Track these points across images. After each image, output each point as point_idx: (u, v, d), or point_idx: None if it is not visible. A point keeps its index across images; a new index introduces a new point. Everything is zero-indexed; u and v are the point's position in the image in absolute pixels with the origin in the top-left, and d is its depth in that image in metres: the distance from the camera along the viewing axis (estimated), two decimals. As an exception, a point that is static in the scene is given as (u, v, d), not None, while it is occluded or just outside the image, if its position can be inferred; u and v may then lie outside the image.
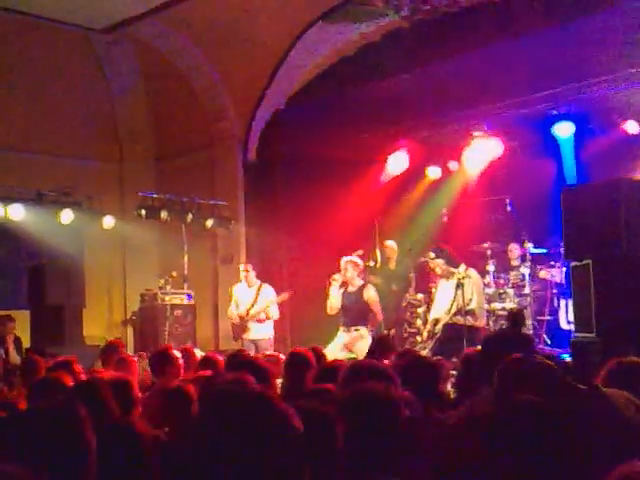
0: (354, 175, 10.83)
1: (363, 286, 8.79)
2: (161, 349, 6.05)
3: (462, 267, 8.55)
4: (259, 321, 9.68)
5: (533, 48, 8.62)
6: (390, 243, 10.76)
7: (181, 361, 5.75)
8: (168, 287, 10.51)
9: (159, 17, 10.73)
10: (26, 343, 9.86)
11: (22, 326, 10.05)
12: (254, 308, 9.70)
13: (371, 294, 8.76)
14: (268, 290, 9.82)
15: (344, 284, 8.80)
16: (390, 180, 11.12)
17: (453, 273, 8.47)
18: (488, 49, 9.03)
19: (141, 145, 12.96)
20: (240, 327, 9.75)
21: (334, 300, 8.75)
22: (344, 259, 8.86)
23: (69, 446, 2.21)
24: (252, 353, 8.57)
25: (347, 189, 10.69)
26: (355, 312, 8.67)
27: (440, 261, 8.77)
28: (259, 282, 9.88)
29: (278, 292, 9.91)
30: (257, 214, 11.46)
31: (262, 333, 9.70)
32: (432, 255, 8.94)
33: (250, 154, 11.80)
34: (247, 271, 9.85)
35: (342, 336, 8.69)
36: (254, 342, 9.61)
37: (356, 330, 8.63)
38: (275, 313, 9.79)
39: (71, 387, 4.01)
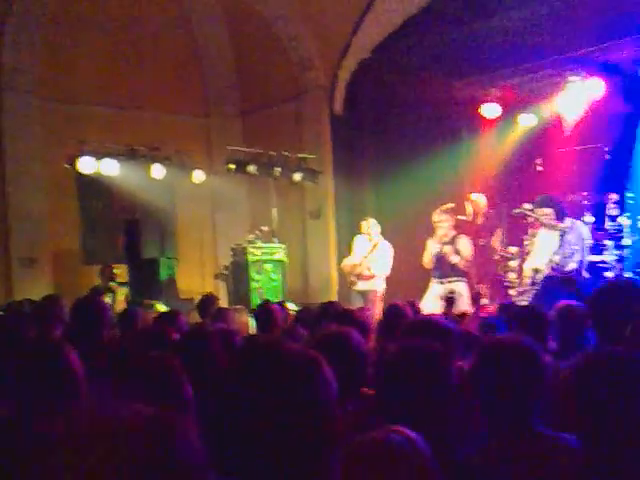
0: (444, 125, 10.55)
1: (455, 237, 8.68)
2: (264, 303, 6.10)
3: (568, 220, 8.27)
4: (364, 277, 9.64)
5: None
6: (476, 196, 10.48)
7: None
8: (258, 242, 10.58)
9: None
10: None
11: (121, 280, 10.34)
12: (365, 261, 9.66)
13: (464, 244, 8.69)
14: (384, 246, 9.71)
15: (437, 237, 8.71)
16: (483, 129, 10.79)
17: (557, 225, 8.19)
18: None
19: (228, 99, 12.99)
20: (350, 277, 9.76)
21: (431, 253, 8.71)
22: (435, 213, 8.75)
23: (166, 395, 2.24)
24: (360, 304, 8.64)
25: (437, 140, 10.44)
26: (449, 264, 8.60)
27: (548, 210, 8.46)
28: (379, 237, 9.77)
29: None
30: (345, 167, 11.33)
31: (370, 285, 9.65)
32: (536, 205, 8.62)
33: (337, 105, 11.64)
34: (368, 226, 9.76)
35: (436, 288, 8.65)
36: (362, 293, 9.60)
37: (449, 282, 8.58)
38: (379, 269, 9.66)
39: (179, 337, 4.06)
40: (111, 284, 9.90)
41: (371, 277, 9.63)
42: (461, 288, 8.65)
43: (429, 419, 2.26)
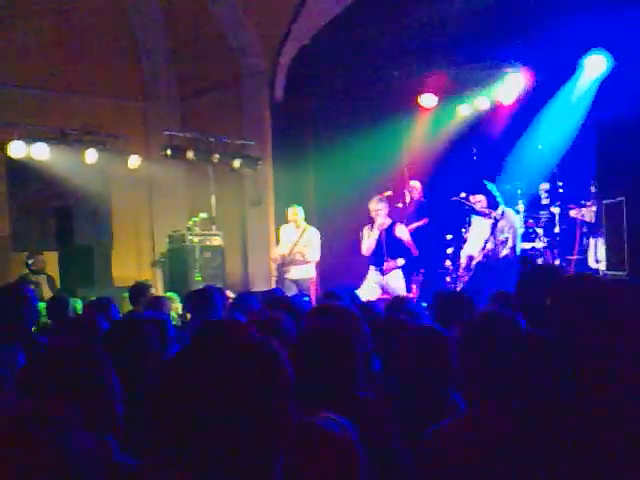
0: (383, 113, 10.60)
1: (393, 224, 8.76)
2: (200, 289, 6.02)
3: (501, 208, 8.46)
4: (297, 263, 9.63)
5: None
6: (414, 183, 10.60)
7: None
8: (196, 229, 10.46)
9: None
10: (56, 285, 9.90)
11: (51, 268, 10.08)
12: (295, 248, 9.65)
13: (402, 231, 8.77)
14: (311, 232, 9.74)
15: (374, 225, 8.76)
16: (420, 118, 10.90)
17: (490, 212, 8.36)
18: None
19: (166, 83, 12.75)
20: (283, 267, 9.73)
21: (369, 241, 8.74)
22: (372, 201, 8.79)
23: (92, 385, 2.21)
24: (293, 293, 8.64)
25: (376, 128, 10.49)
26: (386, 250, 8.65)
27: (481, 197, 8.65)
28: (305, 225, 9.79)
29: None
30: (285, 154, 11.26)
31: (303, 273, 9.65)
32: (471, 193, 8.79)
33: (277, 91, 11.55)
34: (296, 214, 9.74)
35: (374, 275, 8.71)
36: (295, 282, 9.59)
37: (387, 270, 8.66)
38: (312, 255, 9.70)
39: (111, 325, 3.97)
40: (31, 275, 9.62)
41: (305, 263, 9.64)
42: (398, 276, 8.74)
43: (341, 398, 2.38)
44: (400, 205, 10.28)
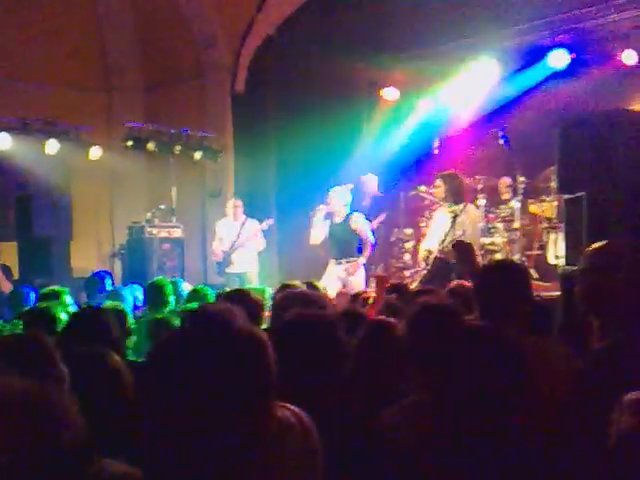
0: (345, 106, 10.62)
1: (350, 216, 8.71)
2: (154, 281, 6.01)
3: (462, 204, 8.36)
4: (240, 256, 9.61)
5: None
6: (369, 176, 10.57)
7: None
8: (156, 220, 10.41)
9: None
10: (14, 275, 9.80)
11: (10, 258, 9.98)
12: (239, 240, 9.63)
13: (359, 222, 8.64)
14: (252, 222, 9.73)
15: (330, 215, 8.69)
16: (381, 111, 10.92)
17: (451, 206, 8.30)
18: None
19: (129, 74, 12.66)
20: (224, 262, 9.70)
21: (318, 230, 8.66)
22: (330, 190, 8.75)
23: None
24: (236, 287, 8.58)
25: (337, 120, 10.50)
26: (345, 243, 8.62)
27: (440, 183, 8.51)
28: (245, 217, 9.79)
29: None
30: (246, 146, 11.26)
31: (246, 266, 9.63)
32: (437, 183, 8.66)
33: (239, 84, 11.55)
34: (237, 206, 9.72)
35: (335, 268, 8.66)
36: (238, 275, 9.56)
37: (347, 262, 8.61)
38: (260, 244, 9.71)
39: (71, 315, 3.95)
40: None
41: (249, 257, 9.63)
42: (360, 270, 8.69)
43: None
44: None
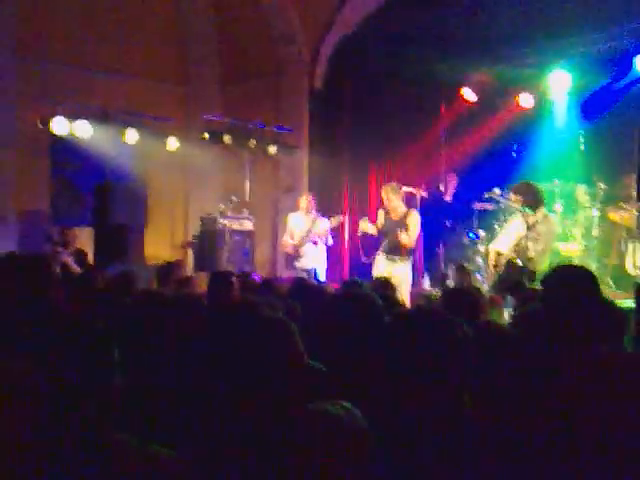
0: (423, 105, 10.51)
1: (407, 213, 8.56)
2: (222, 271, 6.06)
3: (541, 211, 8.08)
4: (314, 243, 9.59)
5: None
6: (450, 176, 10.44)
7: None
8: (228, 212, 10.52)
9: None
10: (89, 260, 10.05)
11: (86, 243, 10.25)
12: (309, 236, 9.62)
13: (413, 220, 8.47)
14: (323, 221, 9.70)
15: (387, 212, 8.55)
16: (460, 112, 10.77)
17: (527, 212, 8.06)
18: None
19: (208, 68, 12.84)
20: (293, 256, 9.71)
21: (369, 227, 8.60)
22: (384, 187, 8.65)
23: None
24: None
25: (416, 119, 10.41)
26: (397, 240, 8.44)
27: (518, 198, 8.27)
28: (316, 213, 9.76)
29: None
30: (321, 143, 11.29)
31: (315, 262, 9.61)
32: (510, 191, 8.46)
33: (317, 81, 11.57)
34: (310, 201, 9.72)
35: (382, 263, 8.53)
36: (306, 271, 9.56)
37: (392, 260, 8.48)
38: (329, 241, 9.69)
39: (131, 301, 4.00)
40: (58, 248, 9.72)
41: (318, 253, 9.59)
42: (407, 268, 8.56)
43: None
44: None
